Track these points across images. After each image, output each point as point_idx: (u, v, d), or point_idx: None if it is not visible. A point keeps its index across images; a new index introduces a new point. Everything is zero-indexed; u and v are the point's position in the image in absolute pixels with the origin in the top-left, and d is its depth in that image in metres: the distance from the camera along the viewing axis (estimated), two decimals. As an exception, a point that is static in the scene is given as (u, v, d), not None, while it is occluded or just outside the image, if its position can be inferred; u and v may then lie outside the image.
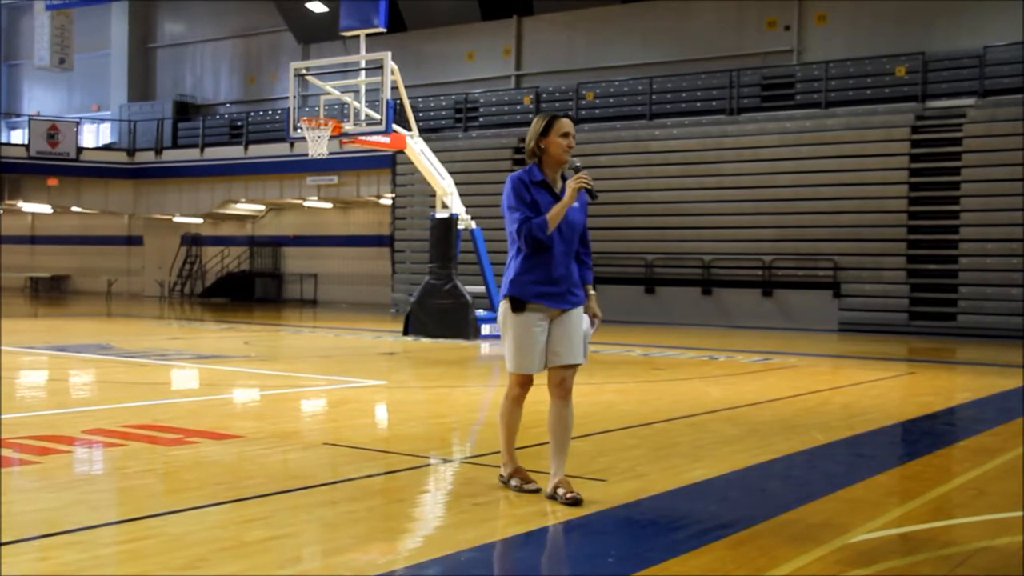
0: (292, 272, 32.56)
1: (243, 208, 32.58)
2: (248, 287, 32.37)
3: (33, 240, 38.95)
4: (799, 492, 5.25)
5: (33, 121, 31.90)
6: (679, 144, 23.17)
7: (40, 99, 39.93)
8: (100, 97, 37.83)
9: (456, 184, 17.49)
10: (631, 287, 22.47)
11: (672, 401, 8.89)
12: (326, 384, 9.75)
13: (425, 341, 15.68)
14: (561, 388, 4.74)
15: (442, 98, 27.61)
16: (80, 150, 31.84)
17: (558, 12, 27.64)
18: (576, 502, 4.53)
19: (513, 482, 4.86)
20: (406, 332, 16.58)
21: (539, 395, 4.84)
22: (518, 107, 26.19)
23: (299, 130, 16.36)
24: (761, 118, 22.62)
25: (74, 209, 34.52)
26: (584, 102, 24.60)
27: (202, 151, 31.57)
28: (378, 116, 16.18)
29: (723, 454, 6.18)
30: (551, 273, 4.69)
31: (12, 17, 39.91)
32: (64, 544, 3.83)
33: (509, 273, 4.76)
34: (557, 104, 25.13)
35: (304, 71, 17.47)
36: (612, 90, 24.88)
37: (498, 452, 5.00)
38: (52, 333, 16.25)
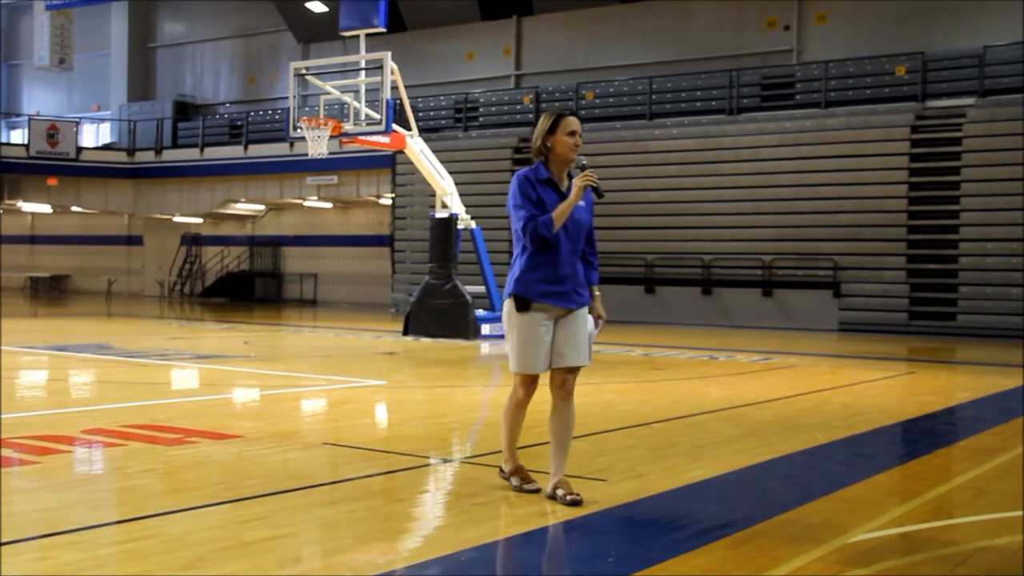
0: (292, 272, 32.56)
1: (243, 208, 32.58)
2: (248, 287, 32.37)
3: (33, 240, 38.95)
4: (799, 492, 5.25)
5: (33, 121, 31.90)
6: (679, 144, 23.17)
7: (40, 99, 39.93)
8: (100, 97, 37.83)
9: (456, 184, 17.49)
10: (631, 287, 22.47)
11: (672, 401, 8.89)
12: (326, 384, 9.75)
13: (425, 341, 15.68)
14: (563, 389, 4.72)
15: (442, 98, 27.62)
16: (80, 150, 31.84)
17: (558, 12, 27.65)
18: (576, 503, 4.52)
19: (514, 480, 4.86)
20: (406, 332, 16.58)
21: (540, 395, 4.84)
22: (518, 107, 26.19)
23: (299, 130, 16.36)
24: (761, 118, 22.62)
25: (74, 209, 34.52)
26: (584, 102, 24.60)
27: (202, 151, 31.57)
28: (378, 116, 16.17)
29: (723, 454, 6.18)
30: (557, 272, 4.65)
31: (12, 17, 39.91)
32: (64, 544, 3.83)
33: (514, 272, 4.72)
34: (557, 104, 25.10)
35: (304, 71, 17.46)
36: (612, 90, 24.88)
37: (498, 452, 5.00)
38: (52, 333, 16.25)
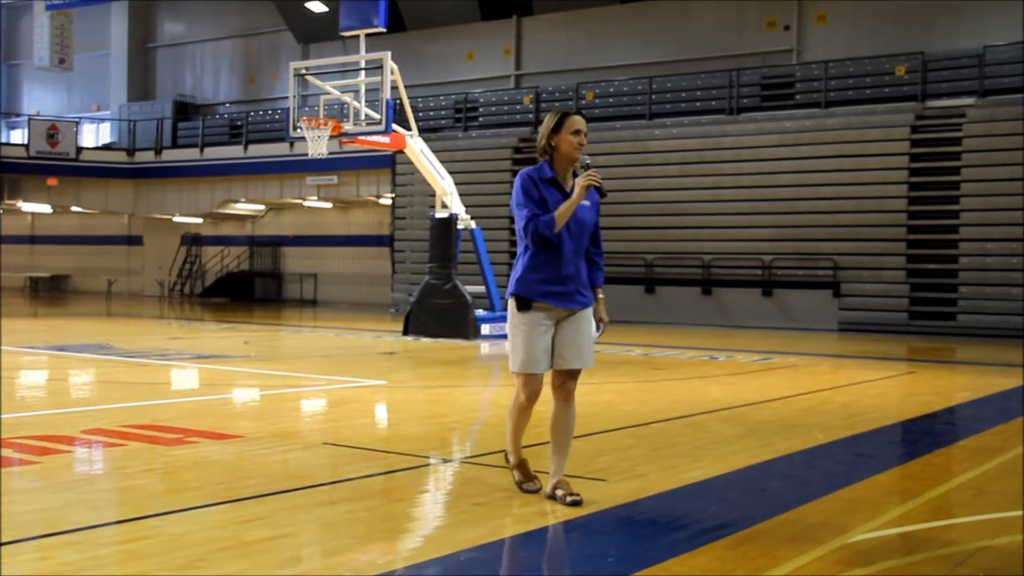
0: (292, 272, 32.56)
1: (243, 208, 32.58)
2: (248, 287, 32.37)
3: (33, 240, 38.95)
4: (799, 492, 5.25)
5: (33, 121, 31.90)
6: (679, 144, 23.17)
7: (40, 99, 39.94)
8: (100, 97, 37.83)
9: (456, 184, 17.49)
10: (631, 287, 22.46)
11: (672, 401, 8.89)
12: (326, 384, 9.75)
13: (425, 341, 15.68)
14: (563, 390, 4.71)
15: (442, 98, 27.62)
16: (80, 150, 31.84)
17: (558, 12, 27.65)
18: (576, 503, 4.52)
19: (516, 475, 4.83)
20: (406, 332, 16.58)
21: (541, 395, 4.83)
22: (518, 107, 26.18)
23: (299, 130, 16.36)
24: (761, 118, 22.62)
25: (74, 209, 34.52)
26: (584, 102, 24.59)
27: (202, 151, 31.57)
28: (378, 116, 16.17)
29: (723, 454, 6.18)
30: (559, 272, 4.61)
31: (12, 17, 39.91)
32: (64, 544, 3.83)
33: (516, 271, 4.70)
34: (557, 104, 25.10)
35: (304, 71, 17.46)
36: (612, 90, 24.88)
37: (498, 452, 5.00)
38: (52, 333, 16.25)
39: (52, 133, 31.04)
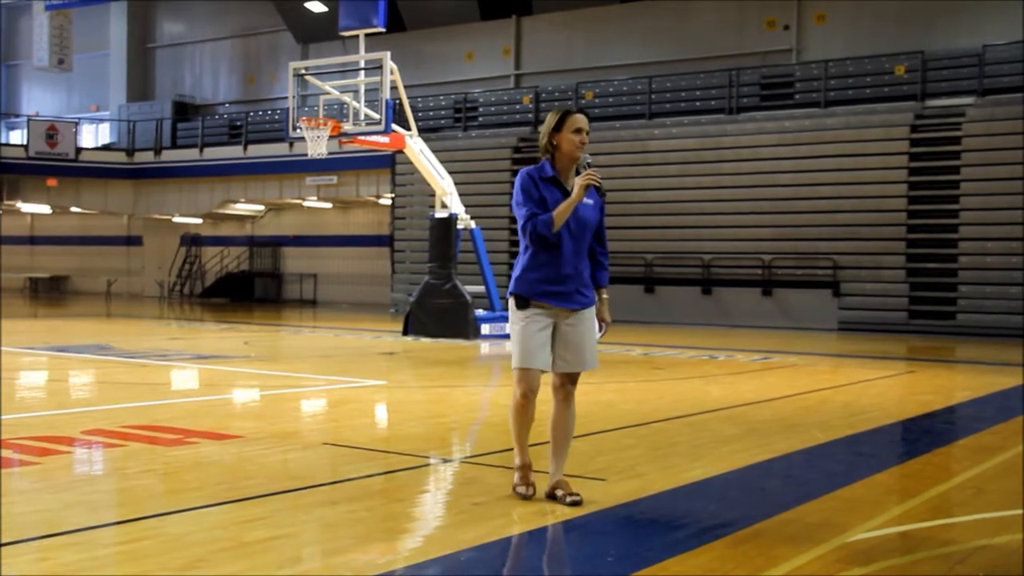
0: (292, 272, 32.56)
1: (242, 208, 32.58)
2: (248, 287, 32.37)
3: (32, 240, 38.95)
4: (798, 491, 5.25)
5: (32, 121, 31.90)
6: (678, 144, 23.17)
7: (39, 99, 39.93)
8: (99, 97, 37.82)
9: (455, 184, 17.49)
10: (631, 287, 22.47)
11: (671, 400, 8.89)
12: (326, 384, 9.75)
13: (425, 341, 15.68)
14: (563, 391, 4.70)
15: (441, 98, 27.62)
16: (79, 150, 31.85)
17: (557, 12, 27.65)
18: (576, 503, 4.52)
19: (517, 476, 4.73)
20: (406, 332, 16.58)
21: (541, 395, 4.83)
22: (517, 107, 26.19)
23: (298, 130, 16.36)
24: (760, 118, 22.63)
25: (73, 209, 34.52)
26: (583, 102, 24.59)
27: (201, 151, 31.57)
28: (377, 116, 16.17)
29: (722, 453, 6.18)
30: (559, 272, 4.58)
31: (11, 17, 39.90)
32: (64, 545, 3.83)
33: (516, 270, 4.69)
34: (556, 104, 25.11)
35: (303, 71, 17.46)
36: (611, 90, 24.89)
37: (498, 452, 5.00)
38: (52, 333, 16.25)
39: (51, 133, 31.04)
